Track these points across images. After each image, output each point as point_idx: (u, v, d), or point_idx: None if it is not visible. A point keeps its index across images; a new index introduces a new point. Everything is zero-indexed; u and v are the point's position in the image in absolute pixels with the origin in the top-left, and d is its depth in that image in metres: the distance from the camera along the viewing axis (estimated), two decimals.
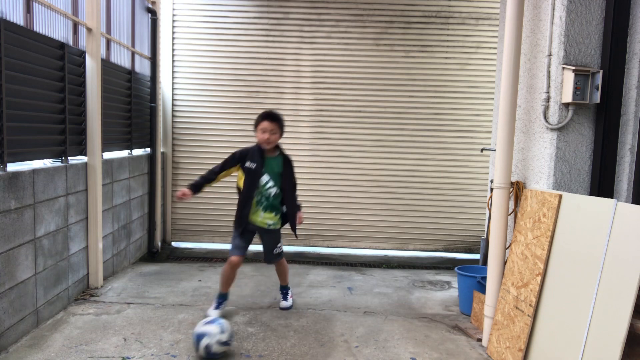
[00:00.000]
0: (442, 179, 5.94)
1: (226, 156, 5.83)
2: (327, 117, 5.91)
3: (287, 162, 3.84)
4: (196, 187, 3.69)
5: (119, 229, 4.83)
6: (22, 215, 3.24)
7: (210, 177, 3.75)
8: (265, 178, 3.73)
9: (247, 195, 3.71)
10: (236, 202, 3.77)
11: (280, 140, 5.81)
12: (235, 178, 3.86)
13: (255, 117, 5.78)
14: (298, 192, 4.01)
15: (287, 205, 3.85)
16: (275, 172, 3.76)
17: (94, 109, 4.14)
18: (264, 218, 3.78)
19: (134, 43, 5.22)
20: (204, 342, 3.01)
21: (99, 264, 4.27)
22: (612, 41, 3.17)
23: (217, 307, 3.79)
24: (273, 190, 3.76)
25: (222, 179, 3.79)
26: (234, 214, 3.80)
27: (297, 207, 3.91)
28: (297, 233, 3.98)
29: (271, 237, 3.89)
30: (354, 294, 4.48)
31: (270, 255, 3.94)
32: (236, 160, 3.76)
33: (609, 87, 3.17)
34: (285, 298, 4.10)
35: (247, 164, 3.69)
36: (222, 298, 3.84)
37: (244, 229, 3.75)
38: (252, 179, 3.70)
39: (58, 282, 3.72)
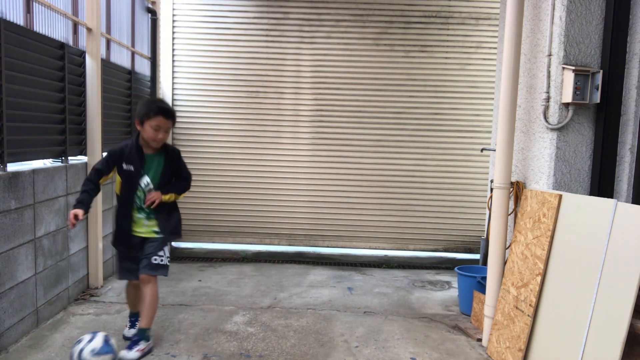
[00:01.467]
0: (442, 179, 5.94)
1: (227, 156, 5.93)
2: (327, 117, 5.91)
3: (171, 157, 3.17)
4: (86, 205, 2.97)
5: None
6: (22, 215, 3.24)
7: (93, 188, 3.04)
8: (145, 180, 3.10)
9: (126, 204, 3.10)
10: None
11: (281, 140, 5.91)
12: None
13: (255, 117, 5.89)
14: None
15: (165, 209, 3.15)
16: (158, 172, 3.13)
17: (94, 109, 4.14)
18: (149, 226, 3.13)
19: (134, 43, 5.22)
20: (77, 347, 2.72)
21: (99, 264, 4.27)
22: (612, 41, 3.17)
23: (133, 326, 3.31)
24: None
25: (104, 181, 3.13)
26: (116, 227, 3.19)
27: (167, 190, 3.12)
28: (181, 232, 3.27)
29: (154, 244, 3.13)
30: (354, 294, 4.48)
31: (147, 263, 3.07)
32: (111, 163, 3.09)
33: (609, 87, 3.17)
34: (131, 346, 3.04)
35: (125, 167, 3.07)
36: (135, 317, 3.33)
37: (129, 246, 3.12)
38: (130, 183, 3.08)
39: (58, 282, 3.72)
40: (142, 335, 3.10)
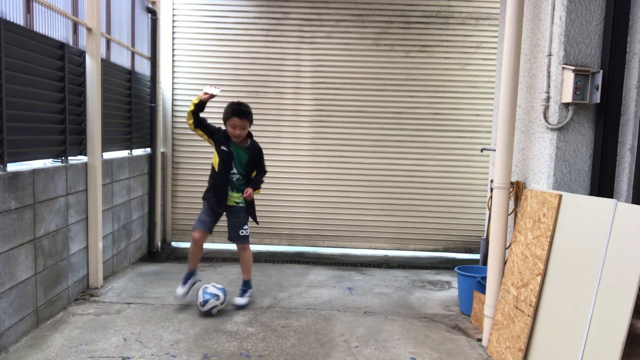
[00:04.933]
0: (442, 179, 5.94)
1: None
2: (327, 117, 5.91)
3: (254, 152, 4.00)
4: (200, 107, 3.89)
5: (119, 229, 4.83)
6: (22, 215, 3.24)
7: (199, 112, 3.89)
8: (234, 166, 3.95)
9: (224, 179, 3.94)
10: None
11: (281, 140, 5.91)
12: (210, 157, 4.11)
13: (255, 117, 5.81)
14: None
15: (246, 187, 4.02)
16: (242, 161, 3.96)
17: (94, 109, 4.14)
18: (232, 197, 4.02)
19: (134, 43, 5.21)
20: (209, 305, 3.77)
21: (99, 264, 4.27)
22: (612, 41, 3.17)
23: (185, 283, 4.03)
24: (236, 176, 3.99)
25: (193, 126, 3.89)
26: (206, 191, 4.03)
27: (254, 186, 4.00)
28: (256, 219, 4.17)
29: (238, 216, 4.04)
30: (354, 294, 4.48)
31: (236, 234, 4.06)
32: (213, 135, 3.94)
33: (609, 87, 3.17)
34: (242, 294, 4.10)
35: (222, 147, 3.90)
36: (190, 275, 4.08)
37: (217, 206, 3.97)
38: (225, 164, 3.91)
39: (58, 282, 3.72)
40: (248, 285, 4.14)
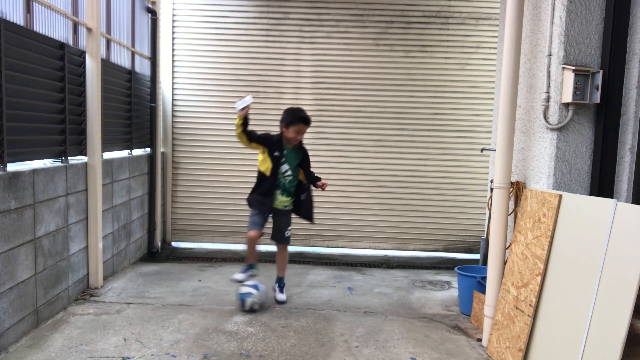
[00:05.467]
0: (442, 179, 5.94)
1: (227, 156, 5.93)
2: (327, 117, 5.91)
3: (305, 155, 4.18)
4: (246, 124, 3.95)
5: (119, 229, 4.83)
6: (22, 215, 3.24)
7: (248, 130, 3.94)
8: (285, 167, 4.05)
9: (273, 183, 4.03)
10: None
11: None
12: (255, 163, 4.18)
13: (255, 117, 5.87)
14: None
15: (303, 194, 4.16)
16: (294, 163, 4.09)
17: (94, 109, 4.14)
18: (281, 201, 4.13)
19: (134, 43, 5.21)
20: (249, 300, 3.90)
21: (99, 264, 4.27)
22: (612, 41, 3.17)
23: (244, 272, 4.14)
24: (289, 178, 4.10)
25: (248, 142, 3.96)
26: (251, 194, 4.09)
27: (317, 179, 4.22)
28: (313, 219, 4.24)
29: (284, 219, 4.20)
30: (354, 294, 4.48)
31: (281, 236, 4.22)
32: (267, 143, 4.02)
33: (609, 87, 3.17)
34: (281, 291, 4.27)
35: (275, 153, 4.00)
36: (250, 267, 4.18)
37: (263, 207, 4.10)
38: (275, 167, 4.01)
39: (58, 282, 3.72)
40: (283, 281, 4.32)
